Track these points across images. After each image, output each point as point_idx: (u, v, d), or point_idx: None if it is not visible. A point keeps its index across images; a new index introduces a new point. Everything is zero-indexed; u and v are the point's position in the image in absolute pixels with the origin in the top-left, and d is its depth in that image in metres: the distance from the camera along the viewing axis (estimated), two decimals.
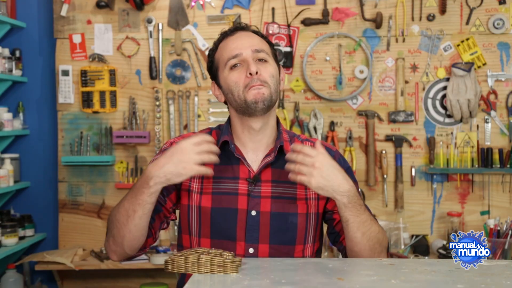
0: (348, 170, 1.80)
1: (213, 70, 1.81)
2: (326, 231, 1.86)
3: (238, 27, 1.79)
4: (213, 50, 1.80)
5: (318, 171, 1.58)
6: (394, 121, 3.50)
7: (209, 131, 1.85)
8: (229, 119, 1.83)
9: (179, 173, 1.60)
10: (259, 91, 1.70)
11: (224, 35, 1.79)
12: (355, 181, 1.82)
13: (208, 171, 1.64)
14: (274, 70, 1.75)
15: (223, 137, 1.77)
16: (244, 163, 1.75)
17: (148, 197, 1.62)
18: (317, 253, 1.82)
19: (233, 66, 1.73)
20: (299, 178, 1.60)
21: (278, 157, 1.76)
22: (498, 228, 3.13)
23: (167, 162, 1.60)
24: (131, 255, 1.76)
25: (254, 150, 1.77)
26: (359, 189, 1.81)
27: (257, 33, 1.80)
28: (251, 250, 1.72)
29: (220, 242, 1.71)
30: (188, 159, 1.59)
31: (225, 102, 1.81)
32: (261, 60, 1.73)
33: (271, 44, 1.81)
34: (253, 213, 1.73)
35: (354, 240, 1.66)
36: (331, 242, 1.84)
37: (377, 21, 3.46)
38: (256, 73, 1.70)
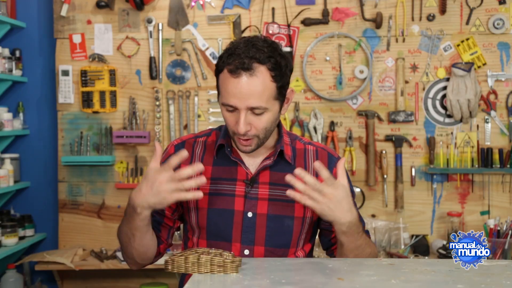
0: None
1: (217, 83, 1.69)
2: (319, 236, 1.86)
3: (244, 67, 1.59)
4: (219, 66, 1.65)
5: (326, 201, 1.56)
6: (394, 121, 3.50)
7: (209, 131, 1.85)
8: None
9: (161, 202, 1.57)
10: (245, 147, 1.68)
11: (228, 67, 1.61)
12: (353, 193, 1.82)
13: (197, 194, 1.56)
14: (269, 119, 1.66)
15: (219, 140, 1.76)
16: (242, 165, 1.74)
17: (141, 222, 1.63)
18: (308, 255, 1.82)
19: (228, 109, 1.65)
20: (305, 200, 1.56)
21: (278, 160, 1.76)
22: (498, 228, 3.13)
23: (147, 193, 1.56)
24: (147, 263, 1.79)
25: (252, 153, 1.75)
26: (357, 195, 1.81)
27: (269, 60, 1.61)
28: (246, 252, 1.72)
29: (216, 243, 1.71)
30: (167, 189, 1.55)
31: None
32: (257, 113, 1.63)
33: (280, 74, 1.65)
34: (250, 214, 1.72)
35: (344, 257, 1.68)
36: (323, 247, 1.87)
37: (377, 21, 3.46)
38: (247, 131, 1.64)
